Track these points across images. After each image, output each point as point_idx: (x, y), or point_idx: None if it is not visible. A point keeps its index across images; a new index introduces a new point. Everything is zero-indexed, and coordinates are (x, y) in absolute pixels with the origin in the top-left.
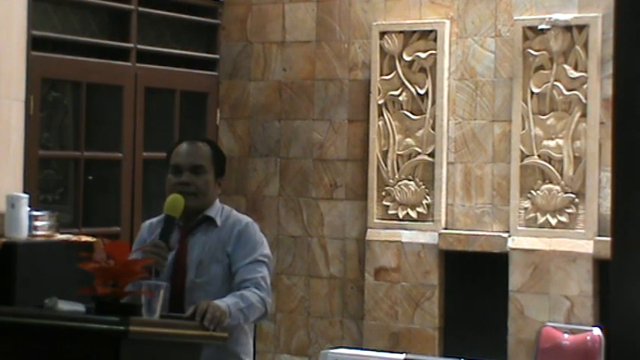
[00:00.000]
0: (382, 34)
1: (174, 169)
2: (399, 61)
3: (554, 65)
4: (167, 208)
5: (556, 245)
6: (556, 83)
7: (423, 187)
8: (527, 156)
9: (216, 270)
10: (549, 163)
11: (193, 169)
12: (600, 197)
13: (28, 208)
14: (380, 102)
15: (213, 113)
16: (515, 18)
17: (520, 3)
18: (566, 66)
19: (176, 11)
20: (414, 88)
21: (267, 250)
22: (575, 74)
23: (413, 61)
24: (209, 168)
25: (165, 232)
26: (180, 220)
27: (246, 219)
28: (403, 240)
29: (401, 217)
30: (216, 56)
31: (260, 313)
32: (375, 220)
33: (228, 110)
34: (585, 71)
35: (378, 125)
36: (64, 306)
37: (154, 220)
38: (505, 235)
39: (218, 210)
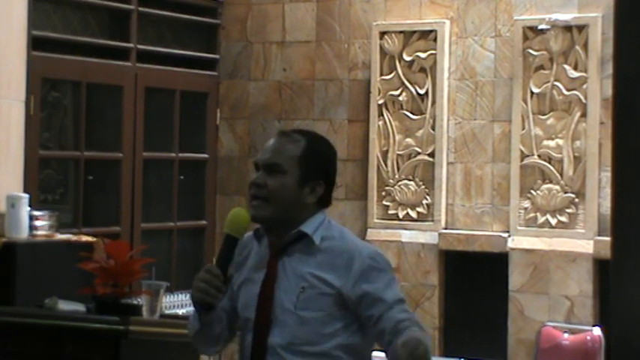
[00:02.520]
0: (382, 34)
1: (254, 166)
2: (399, 61)
3: (554, 65)
4: (227, 225)
5: (556, 245)
6: (556, 83)
7: (423, 187)
8: (527, 156)
9: (326, 302)
10: (549, 163)
11: (268, 167)
12: (600, 197)
13: (28, 208)
14: (380, 102)
15: (213, 113)
16: (515, 18)
17: (520, 3)
18: (566, 66)
19: (176, 11)
20: (414, 88)
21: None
22: (575, 74)
23: (413, 61)
24: (291, 168)
25: (224, 255)
26: (272, 235)
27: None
28: (403, 240)
29: (401, 217)
30: (216, 56)
31: None
32: (375, 220)
33: (228, 110)
34: (585, 71)
35: (378, 125)
36: (64, 306)
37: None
38: (505, 235)
39: (318, 225)
